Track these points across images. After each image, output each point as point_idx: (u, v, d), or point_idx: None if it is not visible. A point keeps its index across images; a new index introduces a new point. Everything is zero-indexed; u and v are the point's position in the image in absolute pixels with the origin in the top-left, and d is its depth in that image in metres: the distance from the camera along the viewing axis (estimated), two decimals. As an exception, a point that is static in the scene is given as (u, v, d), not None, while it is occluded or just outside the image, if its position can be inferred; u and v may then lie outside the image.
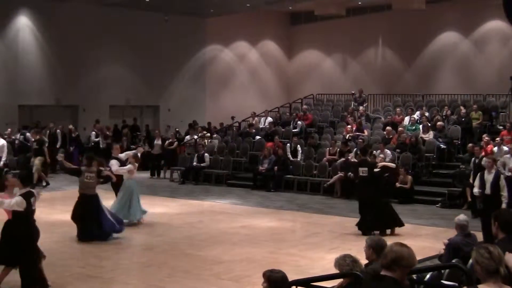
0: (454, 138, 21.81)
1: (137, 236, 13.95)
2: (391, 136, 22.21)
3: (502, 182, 12.98)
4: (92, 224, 13.12)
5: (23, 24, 27.80)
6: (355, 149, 21.24)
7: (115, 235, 13.36)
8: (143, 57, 30.67)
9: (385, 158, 18.78)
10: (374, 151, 17.71)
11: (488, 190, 13.03)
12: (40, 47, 28.30)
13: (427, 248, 11.79)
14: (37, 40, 28.20)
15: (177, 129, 27.72)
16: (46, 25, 28.11)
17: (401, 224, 14.31)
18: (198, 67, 33.39)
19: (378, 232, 13.60)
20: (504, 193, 12.86)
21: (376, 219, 14.04)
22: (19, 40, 27.71)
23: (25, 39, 27.89)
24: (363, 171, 14.50)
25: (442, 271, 7.21)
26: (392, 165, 16.88)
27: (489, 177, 13.13)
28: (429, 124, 22.25)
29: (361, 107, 26.10)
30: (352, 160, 18.86)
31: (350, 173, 18.94)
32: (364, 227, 14.05)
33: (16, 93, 27.32)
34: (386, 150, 20.52)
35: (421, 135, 21.81)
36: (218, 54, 34.26)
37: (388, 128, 22.78)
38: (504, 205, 12.50)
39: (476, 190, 13.42)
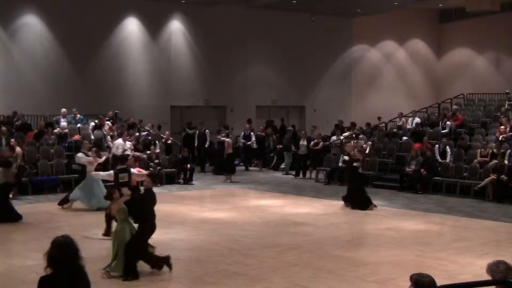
0: None
1: (283, 236, 14.08)
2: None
3: None
4: None
5: (176, 28, 28.96)
6: (508, 150, 20.30)
7: None
8: (289, 58, 31.03)
9: None
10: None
11: None
12: (191, 49, 29.35)
13: None
14: (188, 43, 29.27)
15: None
16: (197, 29, 29.13)
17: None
18: (344, 67, 33.30)
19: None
20: None
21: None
22: (171, 44, 28.90)
23: (177, 43, 29.02)
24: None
25: None
26: None
27: None
28: None
29: None
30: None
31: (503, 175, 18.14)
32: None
33: (168, 95, 28.54)
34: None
35: None
36: (365, 54, 33.99)
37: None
38: None
39: None
